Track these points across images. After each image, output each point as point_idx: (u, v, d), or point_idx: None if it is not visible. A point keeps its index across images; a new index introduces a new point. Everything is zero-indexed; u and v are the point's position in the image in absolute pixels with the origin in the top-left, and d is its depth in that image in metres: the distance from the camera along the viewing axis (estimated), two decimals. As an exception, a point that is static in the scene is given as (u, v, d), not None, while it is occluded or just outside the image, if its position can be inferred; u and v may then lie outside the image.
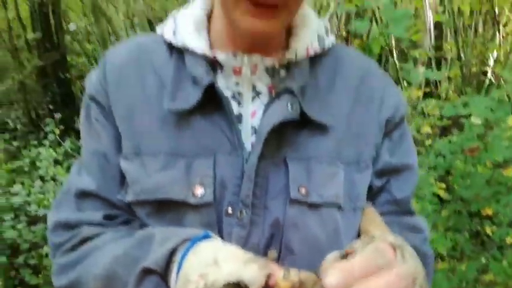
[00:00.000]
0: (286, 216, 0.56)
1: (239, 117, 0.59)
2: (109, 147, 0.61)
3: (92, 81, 0.63)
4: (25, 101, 5.07)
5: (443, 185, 2.09)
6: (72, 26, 4.15)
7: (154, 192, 0.56)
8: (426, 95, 3.53)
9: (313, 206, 0.57)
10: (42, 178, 2.70)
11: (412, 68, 1.78)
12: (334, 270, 0.42)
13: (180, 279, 0.46)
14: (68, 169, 2.82)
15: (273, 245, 0.56)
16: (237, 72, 0.59)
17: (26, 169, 2.93)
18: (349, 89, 0.63)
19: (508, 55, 4.08)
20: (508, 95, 1.79)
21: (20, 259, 2.24)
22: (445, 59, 4.63)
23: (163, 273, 0.49)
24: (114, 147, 0.61)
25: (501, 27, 4.60)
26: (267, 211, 0.56)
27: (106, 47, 3.55)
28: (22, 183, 2.57)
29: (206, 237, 0.51)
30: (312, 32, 0.62)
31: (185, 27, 0.60)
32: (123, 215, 0.62)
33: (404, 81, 2.47)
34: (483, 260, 1.93)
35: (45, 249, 2.20)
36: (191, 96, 0.56)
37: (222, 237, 0.55)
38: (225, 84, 0.59)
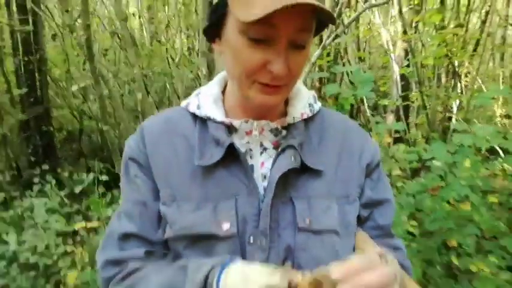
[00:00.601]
0: (296, 241, 0.70)
1: (252, 168, 0.74)
2: (148, 196, 0.75)
3: (130, 145, 0.78)
4: (6, 154, 5.05)
5: (415, 223, 2.30)
6: (74, 87, 4.41)
7: (190, 228, 0.70)
8: (397, 140, 3.76)
9: (317, 233, 0.71)
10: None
11: (380, 120, 2.05)
12: (339, 266, 0.55)
13: None
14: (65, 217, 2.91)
15: (286, 264, 0.70)
16: (248, 133, 0.75)
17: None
18: (335, 143, 0.79)
19: (469, 102, 4.44)
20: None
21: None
22: (413, 107, 5.01)
23: None
24: (152, 196, 0.75)
25: (462, 77, 5.03)
26: (280, 239, 0.70)
27: (104, 106, 3.80)
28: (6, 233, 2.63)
29: (230, 262, 0.64)
30: (304, 101, 0.79)
31: (206, 102, 0.78)
32: (160, 250, 0.75)
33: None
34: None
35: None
36: (216, 154, 0.72)
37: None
38: (239, 143, 0.75)
